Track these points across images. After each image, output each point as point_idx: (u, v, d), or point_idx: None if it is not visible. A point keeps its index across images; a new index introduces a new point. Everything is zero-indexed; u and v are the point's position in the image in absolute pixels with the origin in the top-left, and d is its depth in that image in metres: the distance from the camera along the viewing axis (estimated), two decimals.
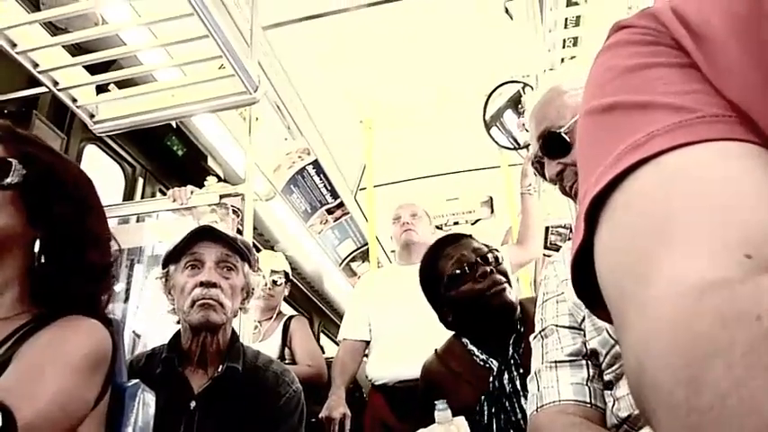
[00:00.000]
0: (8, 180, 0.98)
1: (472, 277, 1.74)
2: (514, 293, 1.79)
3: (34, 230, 1.04)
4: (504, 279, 1.75)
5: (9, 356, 0.90)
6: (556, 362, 1.17)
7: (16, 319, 0.99)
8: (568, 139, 1.18)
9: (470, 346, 1.78)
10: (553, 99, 1.24)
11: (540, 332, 1.26)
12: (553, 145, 1.21)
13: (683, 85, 0.44)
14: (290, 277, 3.28)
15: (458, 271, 1.77)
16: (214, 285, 1.55)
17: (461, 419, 1.39)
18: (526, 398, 1.51)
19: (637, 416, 1.02)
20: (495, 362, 1.70)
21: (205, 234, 1.62)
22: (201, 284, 1.54)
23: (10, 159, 0.99)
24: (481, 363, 1.72)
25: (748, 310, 0.28)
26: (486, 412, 1.63)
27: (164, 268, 1.66)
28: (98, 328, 1.01)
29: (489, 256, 1.78)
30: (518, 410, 1.59)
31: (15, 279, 1.02)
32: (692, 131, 0.40)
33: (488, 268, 1.75)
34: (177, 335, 1.63)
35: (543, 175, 1.30)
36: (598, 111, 0.47)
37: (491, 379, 1.66)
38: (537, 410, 1.15)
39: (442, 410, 1.35)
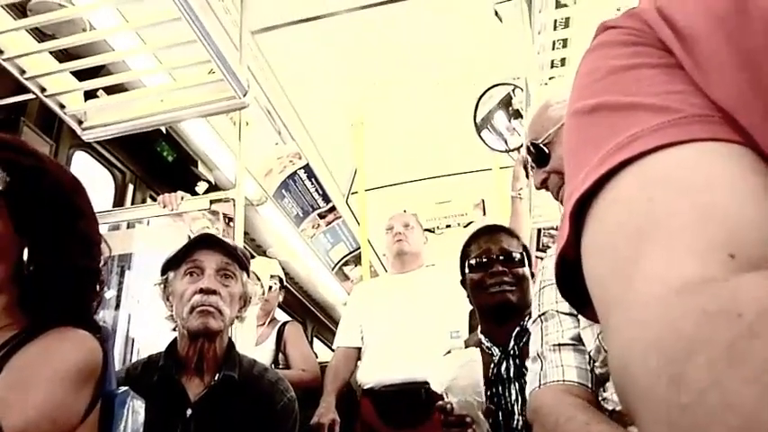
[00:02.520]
0: None
1: (487, 270, 1.84)
2: (523, 294, 1.86)
3: (21, 238, 1.02)
4: (513, 281, 1.83)
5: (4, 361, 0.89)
6: (559, 344, 1.20)
7: (6, 331, 0.98)
8: (547, 150, 1.27)
9: (479, 333, 1.87)
10: (541, 113, 1.33)
11: (539, 316, 1.29)
12: (536, 156, 1.30)
13: (668, 85, 0.44)
14: (284, 283, 3.27)
15: (477, 260, 1.88)
16: (213, 292, 1.55)
17: (476, 351, 1.49)
18: (518, 384, 1.64)
19: (620, 411, 1.03)
20: (497, 350, 1.78)
21: (206, 241, 1.62)
22: (201, 291, 1.55)
23: None
24: (486, 349, 1.79)
25: (730, 308, 0.29)
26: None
27: (163, 274, 1.66)
28: (87, 339, 1.00)
29: (514, 255, 1.88)
30: (509, 396, 1.69)
31: (4, 289, 1.01)
32: (676, 132, 0.40)
33: (503, 268, 1.84)
34: (174, 342, 1.63)
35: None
36: (583, 111, 0.47)
37: (492, 365, 1.74)
38: (539, 387, 1.17)
39: (454, 338, 1.42)
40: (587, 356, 1.17)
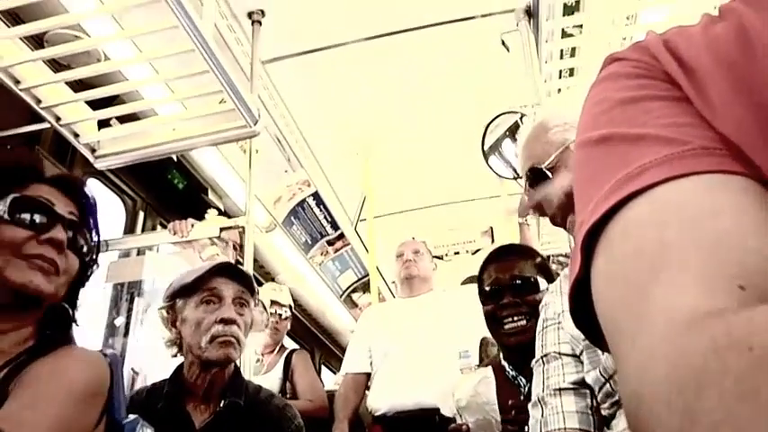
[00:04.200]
0: None
1: (498, 302, 1.76)
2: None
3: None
4: (527, 311, 1.72)
5: (10, 379, 0.90)
6: (560, 389, 1.17)
7: (21, 344, 1.00)
8: (550, 175, 1.26)
9: (503, 361, 1.79)
10: (539, 136, 1.31)
11: (541, 357, 1.26)
12: (537, 179, 1.29)
13: (675, 117, 0.44)
14: (293, 310, 3.27)
15: (489, 290, 1.80)
16: (234, 322, 1.55)
17: (488, 370, 1.42)
18: None
19: None
20: (523, 379, 1.70)
21: (225, 270, 1.63)
22: (222, 321, 1.54)
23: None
24: (511, 378, 1.72)
25: (741, 341, 0.29)
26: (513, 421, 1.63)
27: (170, 300, 1.64)
28: (96, 358, 1.02)
29: (527, 282, 1.77)
30: None
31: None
32: (684, 164, 0.41)
33: (516, 299, 1.74)
34: (178, 369, 1.61)
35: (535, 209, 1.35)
36: (591, 143, 0.48)
37: (521, 397, 1.66)
38: None
39: (465, 357, 1.38)
40: (589, 400, 1.15)
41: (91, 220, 1.12)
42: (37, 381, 0.90)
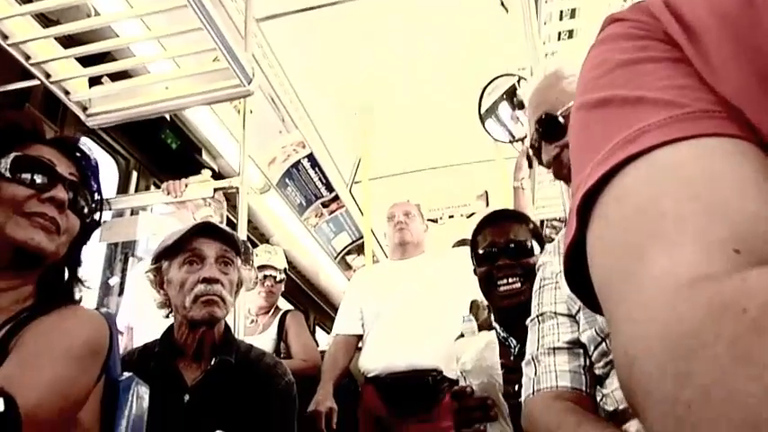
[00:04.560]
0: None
1: (494, 263, 1.76)
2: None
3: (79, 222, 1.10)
4: (521, 273, 1.73)
5: (11, 337, 0.91)
6: (554, 348, 1.18)
7: (20, 303, 1.01)
8: (564, 123, 1.21)
9: (494, 323, 1.80)
10: (552, 85, 1.26)
11: (537, 316, 1.27)
12: (550, 129, 1.24)
13: (674, 79, 0.44)
14: (287, 272, 3.28)
15: (484, 252, 1.79)
16: (216, 281, 1.56)
17: (492, 333, 1.43)
18: None
19: (623, 410, 1.02)
20: (514, 341, 1.71)
21: (206, 230, 1.62)
22: (204, 281, 1.55)
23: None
24: (502, 339, 1.73)
25: (735, 303, 0.29)
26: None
27: (156, 262, 1.65)
28: (96, 317, 1.03)
29: (523, 246, 1.77)
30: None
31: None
32: (682, 127, 0.40)
33: (511, 261, 1.74)
34: (169, 330, 1.63)
35: (540, 160, 1.31)
36: (590, 105, 0.47)
37: (512, 357, 1.67)
38: (533, 394, 1.16)
39: (467, 321, 1.38)
40: (583, 359, 1.16)
41: (92, 181, 1.12)
42: (38, 339, 0.91)
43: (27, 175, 1.00)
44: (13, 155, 1.00)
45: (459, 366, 1.46)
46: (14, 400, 0.75)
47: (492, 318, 1.85)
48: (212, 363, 1.55)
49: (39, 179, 1.01)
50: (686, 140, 0.40)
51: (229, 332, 1.67)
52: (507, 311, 1.74)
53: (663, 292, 0.33)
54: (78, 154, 1.11)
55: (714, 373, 0.28)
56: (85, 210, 1.09)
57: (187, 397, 1.49)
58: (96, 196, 1.13)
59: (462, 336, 1.56)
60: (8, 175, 0.98)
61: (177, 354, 1.58)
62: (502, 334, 1.76)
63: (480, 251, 1.81)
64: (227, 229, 1.67)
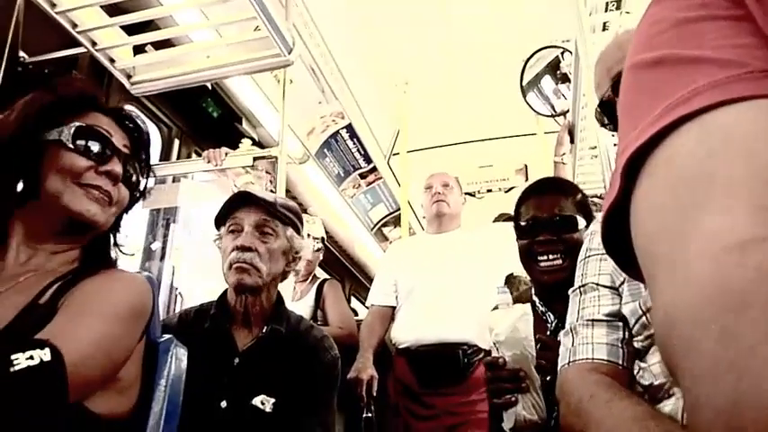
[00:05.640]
0: None
1: (534, 237, 1.70)
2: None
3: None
4: (563, 248, 1.67)
5: (60, 295, 0.95)
6: (593, 320, 1.17)
7: (68, 264, 1.05)
8: None
9: (534, 296, 1.77)
10: (624, 45, 1.20)
11: (579, 287, 1.25)
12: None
13: (734, 38, 0.42)
14: (325, 242, 3.32)
15: (525, 225, 1.73)
16: (249, 249, 1.59)
17: (527, 306, 1.43)
18: None
19: (658, 385, 1.01)
20: (552, 315, 1.68)
21: (244, 199, 1.65)
22: (237, 248, 1.59)
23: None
24: (541, 313, 1.71)
25: None
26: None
27: (218, 231, 1.71)
28: (142, 281, 1.06)
29: (566, 220, 1.70)
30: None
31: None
32: (739, 88, 0.39)
33: (553, 236, 1.68)
34: (225, 293, 1.68)
35: (607, 124, 1.26)
36: (644, 65, 0.46)
37: (548, 332, 1.65)
38: (568, 364, 1.15)
39: (503, 293, 1.37)
40: (622, 332, 1.14)
41: (143, 154, 1.15)
42: (85, 298, 0.94)
43: (87, 145, 1.03)
44: (75, 124, 1.03)
45: (492, 337, 1.46)
46: (60, 352, 0.78)
47: (532, 292, 1.83)
48: (264, 330, 1.59)
49: (97, 150, 1.04)
50: (744, 101, 0.38)
51: (281, 301, 1.70)
52: (547, 287, 1.71)
53: (711, 253, 0.33)
54: (131, 125, 1.14)
55: (759, 333, 0.28)
56: (135, 182, 1.13)
57: (237, 360, 1.54)
58: (145, 168, 1.16)
59: (497, 307, 1.55)
60: (69, 144, 1.01)
61: (230, 318, 1.63)
62: (541, 308, 1.74)
63: (522, 223, 1.76)
64: (267, 196, 1.68)
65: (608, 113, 1.27)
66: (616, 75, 1.23)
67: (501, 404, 1.41)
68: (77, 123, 1.04)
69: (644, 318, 1.08)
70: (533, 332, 1.49)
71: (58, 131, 1.02)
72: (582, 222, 1.71)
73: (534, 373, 1.41)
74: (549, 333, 1.66)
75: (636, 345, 1.11)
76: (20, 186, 1.02)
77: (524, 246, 1.74)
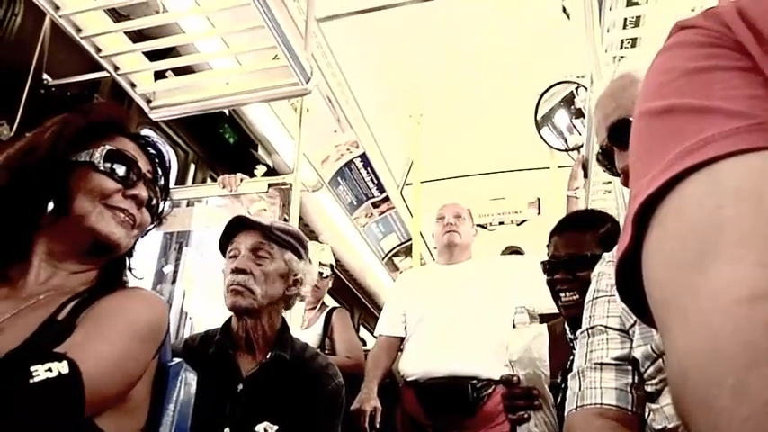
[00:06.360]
0: None
1: (553, 275, 1.77)
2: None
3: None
4: (578, 287, 1.69)
5: (78, 312, 0.96)
6: (601, 363, 1.15)
7: (87, 284, 1.06)
8: None
9: (565, 323, 1.81)
10: (626, 87, 1.18)
11: (587, 329, 1.23)
12: (625, 135, 1.18)
13: (743, 89, 0.42)
14: (335, 269, 3.31)
15: (547, 261, 1.81)
16: (243, 272, 1.60)
17: (542, 327, 1.45)
18: None
19: (671, 429, 0.99)
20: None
21: (240, 224, 1.68)
22: (233, 271, 1.61)
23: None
24: (569, 340, 1.74)
25: None
26: (560, 386, 1.64)
27: (224, 256, 1.73)
28: (159, 300, 1.08)
29: (582, 258, 1.73)
30: None
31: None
32: (749, 139, 0.39)
33: (567, 275, 1.73)
34: (230, 319, 1.69)
35: (609, 168, 1.26)
36: (654, 112, 0.46)
37: (571, 358, 1.64)
38: (576, 409, 1.13)
39: (519, 313, 1.40)
40: (631, 377, 1.12)
41: (163, 181, 1.18)
42: (103, 314, 0.95)
43: (116, 168, 1.06)
44: (107, 147, 1.06)
45: (507, 356, 1.49)
46: (78, 366, 0.78)
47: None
48: (267, 357, 1.59)
49: (125, 173, 1.07)
50: (754, 152, 0.38)
51: (286, 328, 1.70)
52: (568, 320, 1.76)
53: (723, 306, 0.33)
54: (154, 152, 1.16)
55: None
56: (156, 207, 1.15)
57: (240, 386, 1.54)
58: (165, 194, 1.18)
59: (515, 326, 1.58)
60: (100, 166, 1.04)
61: (234, 343, 1.62)
62: (569, 335, 1.77)
63: (546, 259, 1.82)
64: (264, 220, 1.70)
65: (608, 160, 1.26)
66: (611, 125, 1.22)
67: (515, 420, 1.46)
68: (108, 147, 1.06)
69: (659, 360, 1.06)
70: (558, 357, 1.50)
71: (87, 153, 1.04)
72: (608, 256, 1.73)
73: (547, 391, 1.43)
74: (571, 358, 1.67)
75: (649, 388, 1.09)
76: (50, 206, 1.03)
77: (548, 282, 1.80)
